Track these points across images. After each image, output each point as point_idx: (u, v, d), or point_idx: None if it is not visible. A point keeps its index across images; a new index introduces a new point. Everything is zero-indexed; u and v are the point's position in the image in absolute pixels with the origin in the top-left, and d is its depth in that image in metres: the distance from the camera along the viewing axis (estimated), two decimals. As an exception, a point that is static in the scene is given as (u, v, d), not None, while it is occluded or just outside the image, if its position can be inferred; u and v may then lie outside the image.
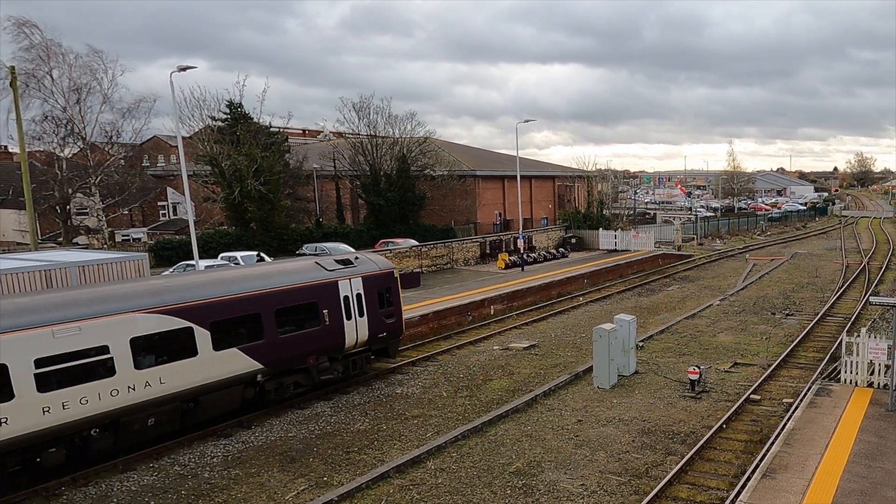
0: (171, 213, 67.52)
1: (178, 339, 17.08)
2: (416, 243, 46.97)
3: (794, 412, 18.26)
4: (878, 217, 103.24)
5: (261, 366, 19.00)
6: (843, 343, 20.36)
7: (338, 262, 22.20)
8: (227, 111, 51.77)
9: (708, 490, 15.00)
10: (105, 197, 44.39)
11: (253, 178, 47.61)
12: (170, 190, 66.54)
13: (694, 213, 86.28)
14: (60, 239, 45.87)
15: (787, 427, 17.08)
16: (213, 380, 17.80)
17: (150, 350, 16.48)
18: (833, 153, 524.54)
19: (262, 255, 39.88)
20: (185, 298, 17.37)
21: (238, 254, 38.12)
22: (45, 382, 14.54)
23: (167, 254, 43.85)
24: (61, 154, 43.20)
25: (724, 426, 18.41)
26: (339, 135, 73.17)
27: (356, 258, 23.04)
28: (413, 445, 17.42)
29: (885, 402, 18.28)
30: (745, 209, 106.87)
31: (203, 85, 75.88)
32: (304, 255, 42.77)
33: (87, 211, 46.99)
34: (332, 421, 19.35)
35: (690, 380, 21.35)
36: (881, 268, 47.37)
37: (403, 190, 57.57)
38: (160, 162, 78.15)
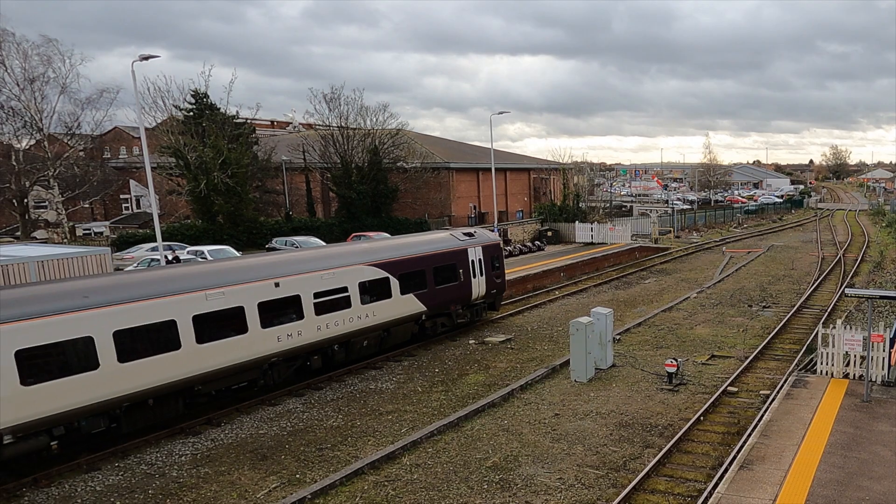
0: (134, 207, 66.23)
1: (382, 284, 23.33)
2: (389, 237, 46.53)
3: (770, 404, 18.22)
4: (854, 210, 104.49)
5: (425, 308, 25.28)
6: (819, 335, 20.37)
7: (465, 234, 28.69)
8: (193, 101, 50.78)
9: (686, 482, 14.89)
10: (64, 190, 43.52)
11: (220, 171, 46.75)
12: (133, 182, 65.23)
13: (671, 205, 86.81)
14: (18, 233, 44.94)
15: (764, 419, 17.03)
16: (399, 316, 24.18)
17: (368, 292, 22.66)
18: (807, 145, 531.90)
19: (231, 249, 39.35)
20: (384, 257, 23.80)
21: (205, 248, 37.46)
22: (319, 309, 20.67)
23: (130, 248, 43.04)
24: (17, 145, 42.25)
25: (702, 418, 18.33)
26: (309, 126, 72.18)
27: (475, 232, 29.50)
28: (388, 441, 17.13)
29: (861, 393, 18.29)
30: (721, 202, 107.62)
31: (164, 74, 75.01)
32: (274, 248, 42.27)
33: (46, 204, 46.12)
34: (305, 417, 18.98)
35: (668, 372, 21.26)
36: (856, 260, 47.83)
37: (376, 182, 56.93)
38: (122, 154, 76.62)
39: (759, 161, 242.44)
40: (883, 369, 19.12)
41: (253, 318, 18.79)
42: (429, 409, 19.56)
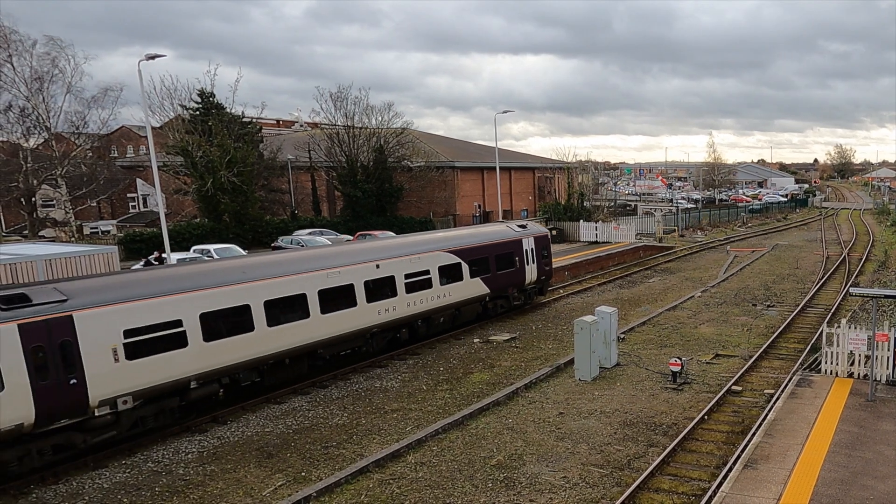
0: (140, 205, 66.23)
1: (456, 269, 26.47)
2: (395, 235, 46.62)
3: (775, 403, 18.23)
4: (858, 209, 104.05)
5: (488, 290, 28.35)
6: (824, 334, 20.40)
7: (519, 226, 31.85)
8: (199, 100, 50.90)
9: (690, 481, 14.91)
10: (72, 188, 43.63)
11: (226, 170, 46.85)
12: (139, 181, 65.24)
13: (675, 204, 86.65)
14: (26, 232, 45.08)
15: (768, 418, 17.05)
16: (469, 297, 27.33)
17: (444, 275, 25.79)
18: (811, 144, 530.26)
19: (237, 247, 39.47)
20: (457, 245, 26.98)
21: (212, 246, 37.54)
22: (408, 288, 23.92)
23: (137, 247, 43.08)
24: (25, 145, 42.38)
25: (706, 417, 18.35)
26: (314, 125, 72.21)
27: (528, 224, 33.01)
28: (393, 439, 17.19)
29: (866, 393, 18.29)
30: (726, 201, 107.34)
31: (168, 74, 74.97)
32: (280, 247, 42.40)
33: (54, 203, 46.22)
34: (310, 415, 19.06)
35: (672, 371, 21.28)
36: (861, 259, 47.70)
37: (381, 181, 56.97)
38: (129, 152, 76.72)
39: (763, 160, 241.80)
40: (888, 369, 19.12)
41: (361, 294, 22.24)
42: (433, 407, 19.62)
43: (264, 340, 19.02)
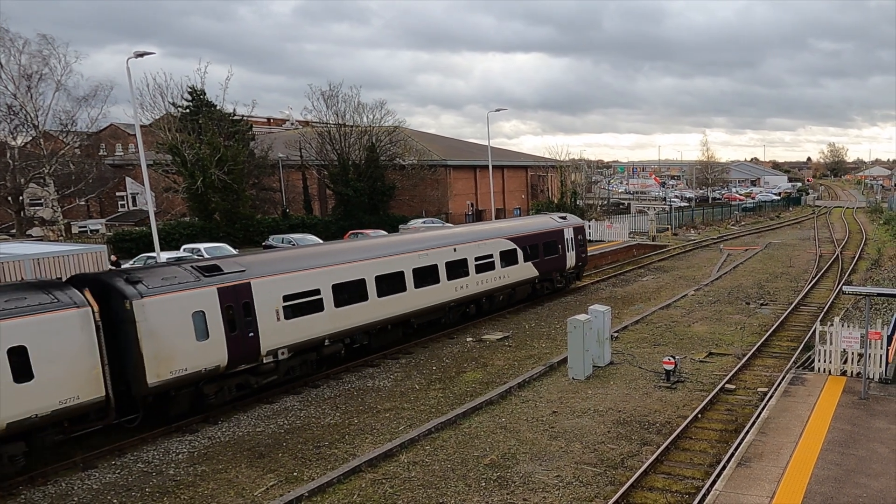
0: (130, 204, 65.81)
1: (513, 254, 30.55)
2: (386, 234, 46.45)
3: (768, 401, 18.22)
4: (851, 207, 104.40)
5: (537, 273, 32.39)
6: (817, 332, 20.37)
7: (560, 217, 35.91)
8: (190, 98, 50.53)
9: (683, 479, 14.87)
10: (60, 187, 43.31)
11: (216, 168, 46.52)
12: (129, 180, 64.78)
13: (668, 203, 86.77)
14: (13, 231, 44.74)
15: (761, 416, 17.03)
16: (523, 278, 31.48)
17: (504, 259, 29.90)
18: (804, 143, 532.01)
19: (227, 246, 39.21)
20: (514, 233, 31.22)
21: (202, 245, 37.32)
22: (478, 270, 28.21)
23: (127, 245, 42.77)
24: (13, 143, 42.06)
25: (700, 416, 18.32)
26: (306, 123, 71.88)
27: (567, 216, 37.02)
28: (385, 439, 17.10)
29: (859, 391, 18.29)
30: (719, 199, 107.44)
31: (157, 71, 74.33)
32: (270, 246, 42.21)
33: (42, 202, 45.91)
34: (302, 415, 18.95)
35: (665, 370, 21.24)
36: (854, 257, 47.80)
37: (373, 180, 56.75)
38: (118, 151, 76.15)
39: (756, 158, 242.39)
40: (880, 367, 19.13)
41: (442, 273, 26.27)
42: (426, 406, 19.54)
43: (375, 308, 22.95)
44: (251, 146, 55.57)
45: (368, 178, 56.43)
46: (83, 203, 55.32)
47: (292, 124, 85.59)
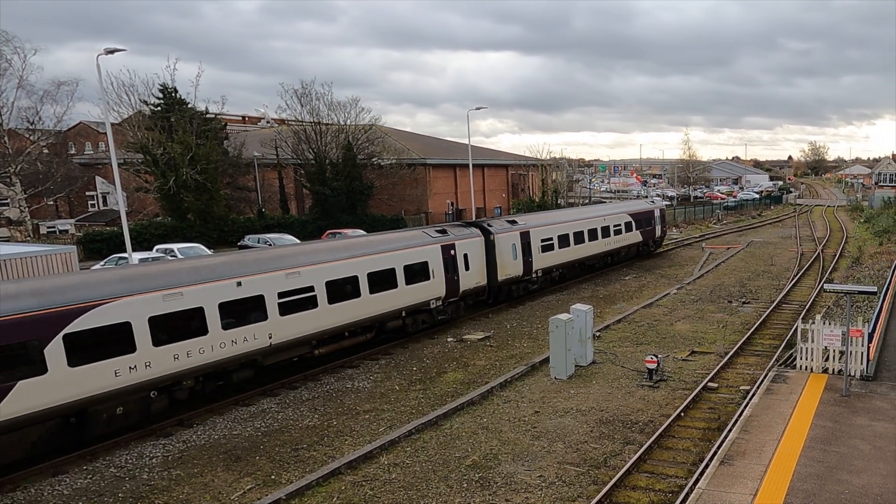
0: (100, 204, 64.83)
1: (629, 224, 43.31)
2: (365, 234, 46.09)
3: (750, 399, 18.14)
4: (832, 205, 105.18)
5: (641, 239, 45.48)
6: (799, 330, 20.33)
7: (650, 200, 48.91)
8: (161, 96, 49.74)
9: (667, 478, 14.74)
10: (27, 186, 42.56)
11: (188, 167, 45.82)
12: (99, 179, 63.72)
13: (650, 201, 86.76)
14: None
15: (744, 414, 16.93)
16: (634, 241, 44.75)
17: (626, 227, 43.22)
18: (782, 141, 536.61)
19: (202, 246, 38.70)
20: (628, 210, 44.31)
21: (175, 245, 36.79)
22: (615, 232, 41.90)
23: (97, 246, 41.99)
24: None
25: (682, 414, 18.21)
26: (281, 122, 71.26)
27: (655, 199, 51.35)
28: (365, 440, 16.85)
29: (840, 388, 18.26)
30: (701, 198, 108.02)
31: (126, 69, 73.26)
32: (246, 246, 41.74)
33: (8, 202, 45.13)
34: (279, 417, 18.63)
35: (648, 369, 21.14)
36: (835, 255, 48.10)
37: (350, 179, 56.27)
38: (88, 149, 75.08)
39: (738, 157, 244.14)
40: (861, 364, 19.11)
41: (600, 235, 40.10)
42: (407, 407, 19.29)
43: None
44: (224, 144, 54.89)
45: (346, 178, 55.94)
46: (51, 203, 54.45)
47: (268, 122, 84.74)
